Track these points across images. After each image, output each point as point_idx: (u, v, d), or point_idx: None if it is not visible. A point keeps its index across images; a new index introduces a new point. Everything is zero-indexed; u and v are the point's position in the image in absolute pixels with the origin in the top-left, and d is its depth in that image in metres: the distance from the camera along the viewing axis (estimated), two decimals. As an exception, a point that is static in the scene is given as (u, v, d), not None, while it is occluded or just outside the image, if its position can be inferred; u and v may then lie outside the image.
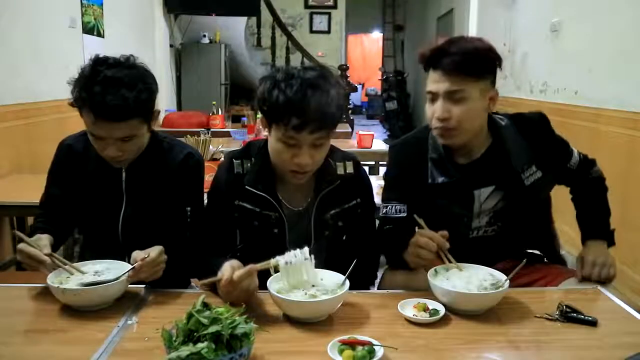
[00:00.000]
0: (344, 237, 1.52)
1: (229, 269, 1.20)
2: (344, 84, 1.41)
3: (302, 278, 1.24)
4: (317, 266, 1.27)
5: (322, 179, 1.46)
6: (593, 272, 1.43)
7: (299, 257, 1.24)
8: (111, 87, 1.33)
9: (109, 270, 1.32)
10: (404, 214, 1.50)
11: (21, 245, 1.30)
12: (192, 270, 1.50)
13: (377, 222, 1.59)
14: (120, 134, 1.38)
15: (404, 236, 1.39)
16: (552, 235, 1.67)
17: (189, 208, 1.53)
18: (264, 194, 1.41)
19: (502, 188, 1.51)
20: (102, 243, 1.55)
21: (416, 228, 1.39)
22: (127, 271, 1.27)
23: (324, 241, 1.48)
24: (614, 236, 1.55)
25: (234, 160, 1.46)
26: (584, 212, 1.61)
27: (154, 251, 1.31)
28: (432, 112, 1.44)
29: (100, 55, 1.40)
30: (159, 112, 1.50)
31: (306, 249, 1.25)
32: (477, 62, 1.40)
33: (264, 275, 1.25)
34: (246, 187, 1.42)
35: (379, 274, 1.60)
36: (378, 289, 1.54)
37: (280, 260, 1.24)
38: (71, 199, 1.54)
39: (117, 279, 1.26)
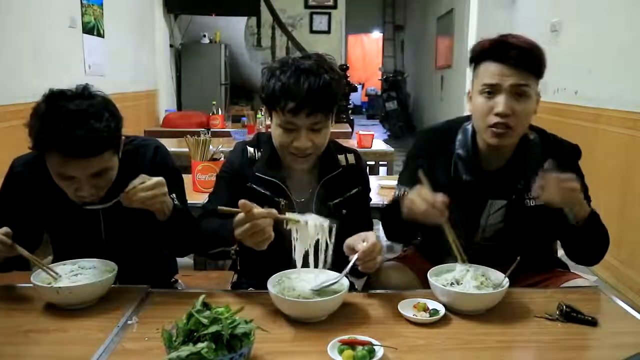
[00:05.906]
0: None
1: (252, 204, 1.20)
2: (340, 71, 1.43)
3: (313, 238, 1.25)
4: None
5: (325, 168, 1.50)
6: (559, 187, 1.25)
7: (318, 221, 1.26)
8: (78, 120, 1.21)
9: (83, 268, 1.31)
10: None
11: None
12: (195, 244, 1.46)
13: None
14: (94, 170, 1.27)
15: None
16: (550, 241, 1.62)
17: (173, 195, 1.43)
18: (273, 179, 1.45)
19: (509, 204, 1.46)
20: (82, 248, 1.45)
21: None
22: (117, 199, 1.28)
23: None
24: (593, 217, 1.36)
25: (248, 147, 1.51)
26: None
27: (150, 180, 1.27)
28: (490, 107, 1.36)
29: (54, 90, 1.29)
30: (125, 139, 1.41)
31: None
32: (540, 60, 1.37)
33: (266, 274, 1.26)
34: (256, 173, 1.46)
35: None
36: (364, 286, 1.53)
37: (301, 217, 1.26)
38: (35, 221, 1.46)
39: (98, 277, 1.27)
